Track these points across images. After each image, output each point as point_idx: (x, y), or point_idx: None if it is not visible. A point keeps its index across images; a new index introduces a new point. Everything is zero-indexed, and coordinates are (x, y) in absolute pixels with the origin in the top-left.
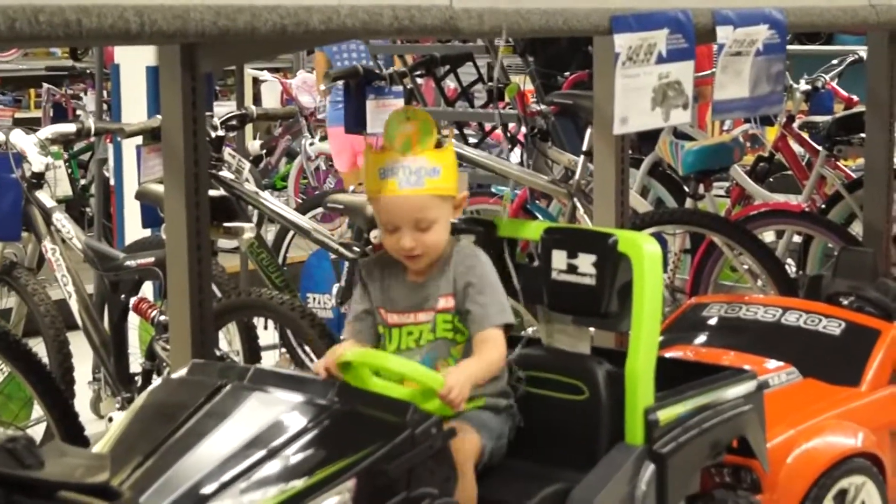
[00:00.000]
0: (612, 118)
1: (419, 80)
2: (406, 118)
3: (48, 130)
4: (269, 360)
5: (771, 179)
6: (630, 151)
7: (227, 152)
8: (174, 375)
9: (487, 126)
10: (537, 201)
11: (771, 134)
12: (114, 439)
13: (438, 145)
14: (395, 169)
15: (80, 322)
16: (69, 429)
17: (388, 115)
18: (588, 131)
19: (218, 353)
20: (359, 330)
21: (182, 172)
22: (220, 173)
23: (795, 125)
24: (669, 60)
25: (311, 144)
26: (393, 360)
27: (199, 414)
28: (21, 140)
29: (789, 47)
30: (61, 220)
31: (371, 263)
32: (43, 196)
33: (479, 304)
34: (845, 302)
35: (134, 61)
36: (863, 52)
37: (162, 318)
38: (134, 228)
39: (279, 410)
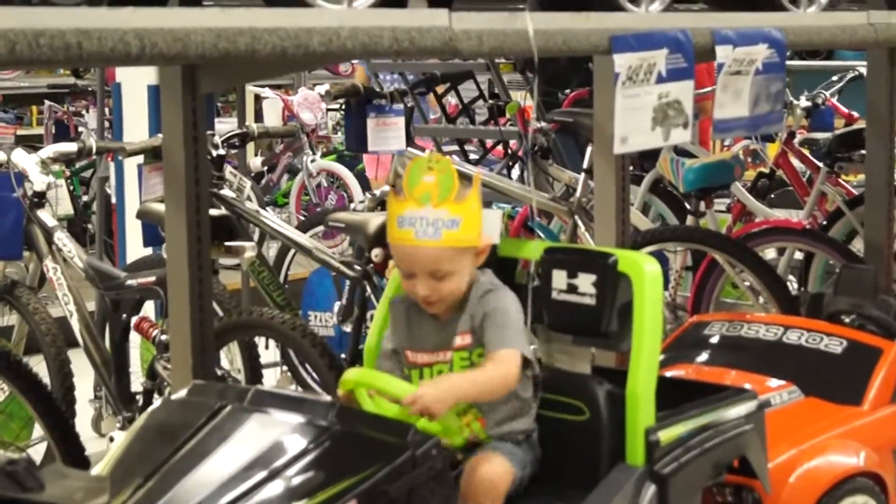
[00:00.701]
0: (613, 137)
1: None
2: (428, 168)
3: (49, 150)
4: (271, 378)
5: (772, 196)
6: (631, 168)
7: (229, 170)
8: (174, 396)
9: (489, 143)
10: (538, 219)
11: (772, 150)
12: (114, 460)
13: (461, 194)
14: (412, 219)
15: (81, 341)
16: (69, 448)
17: (412, 163)
18: (589, 149)
19: (219, 372)
20: (390, 368)
21: (183, 191)
22: (222, 192)
23: (796, 141)
24: (669, 80)
25: (313, 161)
26: (366, 374)
27: (200, 435)
28: (22, 159)
29: (789, 63)
30: (62, 239)
31: (398, 304)
32: (44, 215)
33: (494, 332)
34: (847, 320)
35: (135, 80)
36: (863, 68)
37: (163, 337)
38: (135, 246)
39: (279, 432)
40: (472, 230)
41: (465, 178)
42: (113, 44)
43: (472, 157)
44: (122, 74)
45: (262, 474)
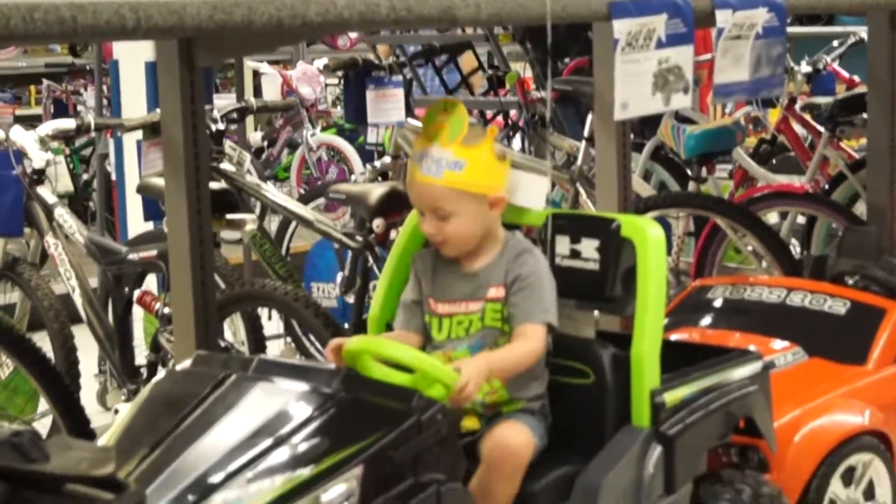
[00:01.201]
0: (613, 104)
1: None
2: (443, 109)
3: (48, 127)
4: (274, 350)
5: (773, 161)
6: (632, 136)
7: (228, 145)
8: (178, 367)
9: (489, 114)
10: None
11: (773, 116)
12: (119, 432)
13: (470, 139)
14: (421, 156)
15: (84, 316)
16: (75, 422)
17: (432, 104)
18: (589, 117)
19: (222, 344)
20: (406, 319)
21: (182, 166)
22: (222, 166)
23: (797, 107)
24: (669, 45)
25: (313, 135)
26: (402, 351)
27: (205, 405)
28: (21, 137)
29: (790, 29)
30: (63, 215)
31: (425, 254)
32: (44, 192)
33: (523, 300)
34: (850, 281)
35: (133, 57)
36: (864, 33)
37: (166, 310)
38: (136, 222)
39: (284, 400)
40: (479, 177)
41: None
42: (108, 17)
43: None
44: (120, 52)
45: (267, 442)
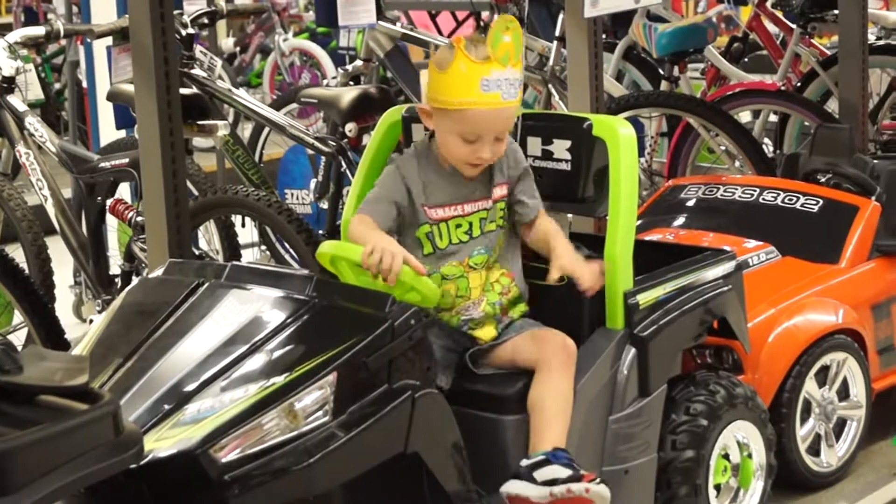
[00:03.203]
0: (583, 2)
1: None
2: (506, 28)
3: (17, 34)
4: (249, 257)
5: (746, 60)
6: (604, 36)
7: (199, 50)
8: (151, 275)
9: (460, 15)
10: None
11: (745, 14)
12: (93, 342)
13: None
14: (499, 81)
15: (57, 226)
16: (50, 333)
17: (493, 24)
18: (560, 16)
19: (197, 252)
20: (384, 213)
21: (152, 71)
22: (192, 71)
23: (769, 4)
24: None
25: (285, 40)
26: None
27: (178, 313)
28: None
29: None
30: (34, 124)
31: (407, 161)
32: (14, 100)
33: (532, 189)
34: (822, 179)
35: None
36: None
37: (139, 218)
38: (109, 130)
39: (257, 307)
40: None
41: None
42: None
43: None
44: None
45: (241, 350)
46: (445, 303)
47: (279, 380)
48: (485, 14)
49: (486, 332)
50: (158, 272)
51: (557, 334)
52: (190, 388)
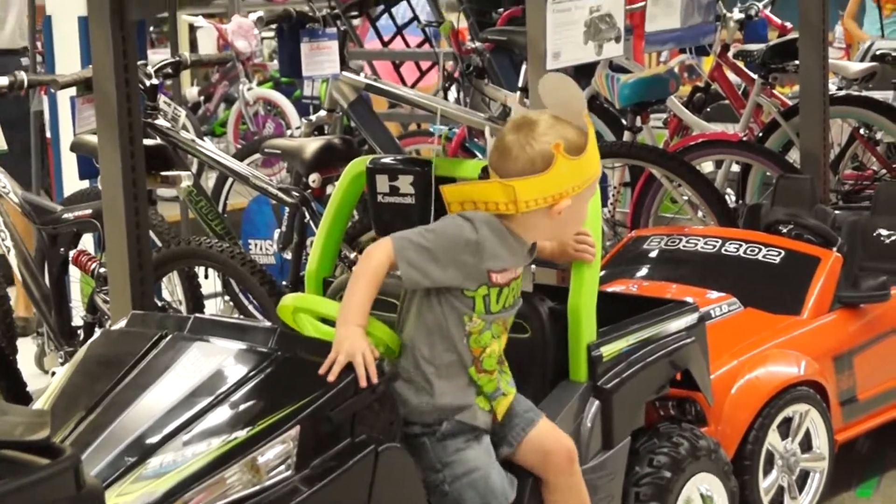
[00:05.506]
0: (546, 53)
1: (355, 22)
2: None
3: None
4: (213, 308)
5: (708, 109)
6: None
7: (163, 100)
8: (114, 327)
9: (424, 65)
10: (476, 139)
11: (707, 64)
12: (54, 395)
13: None
14: None
15: (19, 277)
16: (11, 385)
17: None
18: (523, 67)
19: (160, 303)
20: (423, 266)
21: (115, 122)
22: (156, 122)
23: (730, 54)
24: None
25: (250, 90)
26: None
27: (140, 366)
28: None
29: None
30: None
31: (492, 221)
32: None
33: None
34: (784, 230)
35: (66, 12)
36: None
37: (102, 270)
38: (72, 181)
39: (220, 360)
40: None
41: None
42: None
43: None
44: (53, 6)
45: (203, 403)
46: (490, 364)
47: (242, 434)
48: (448, 64)
49: (502, 406)
50: (121, 324)
51: (560, 440)
52: (152, 441)
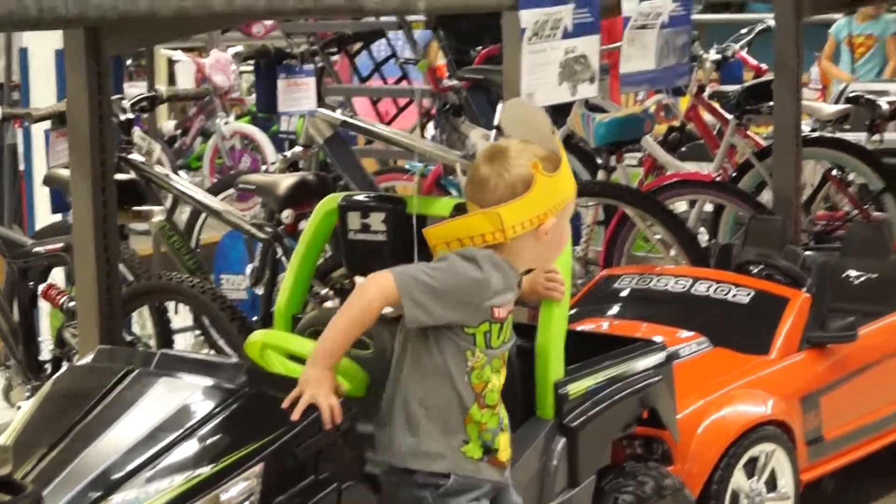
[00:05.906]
0: (521, 93)
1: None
2: None
3: None
4: (183, 343)
5: (683, 149)
6: None
7: (138, 134)
8: (80, 362)
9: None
10: (451, 177)
11: (683, 104)
12: (18, 430)
13: None
14: None
15: None
16: None
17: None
18: (499, 105)
19: (129, 337)
20: (427, 307)
21: (88, 156)
22: (130, 156)
23: (706, 95)
24: (575, 35)
25: (226, 124)
26: (305, 345)
27: (106, 401)
28: None
29: (701, 16)
30: None
31: (486, 260)
32: None
33: None
34: (755, 270)
35: (42, 45)
36: (772, 20)
37: (71, 304)
38: (45, 214)
39: (186, 395)
40: None
41: None
42: (11, 8)
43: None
44: (30, 39)
45: (167, 439)
46: (493, 399)
47: (206, 470)
48: (426, 101)
49: (503, 442)
50: (87, 359)
51: None
52: (115, 477)
